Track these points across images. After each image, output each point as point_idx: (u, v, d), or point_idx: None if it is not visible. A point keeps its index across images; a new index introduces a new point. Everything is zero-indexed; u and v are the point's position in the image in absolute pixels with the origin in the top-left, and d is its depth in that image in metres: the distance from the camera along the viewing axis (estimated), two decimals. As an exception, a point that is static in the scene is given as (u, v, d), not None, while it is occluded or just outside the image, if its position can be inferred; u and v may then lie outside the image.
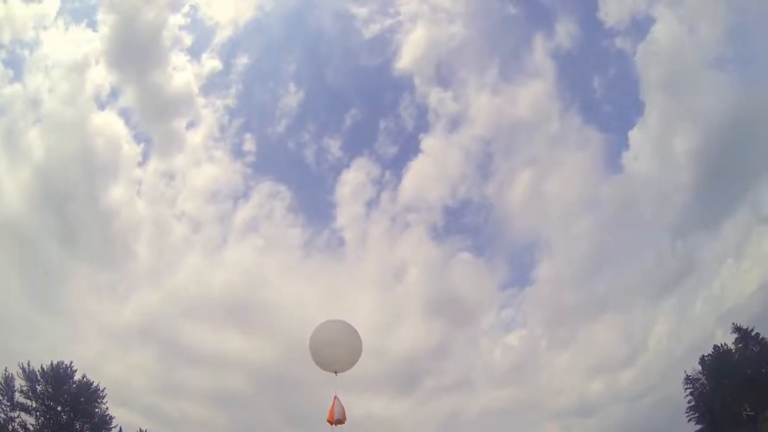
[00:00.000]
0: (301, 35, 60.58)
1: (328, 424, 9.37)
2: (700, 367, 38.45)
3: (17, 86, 49.94)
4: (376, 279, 59.91)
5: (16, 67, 50.00)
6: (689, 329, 46.32)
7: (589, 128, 59.27)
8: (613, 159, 59.35)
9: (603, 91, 57.85)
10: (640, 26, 52.84)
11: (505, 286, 64.92)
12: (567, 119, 58.61)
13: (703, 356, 38.40)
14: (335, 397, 9.62)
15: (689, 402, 37.94)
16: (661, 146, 53.62)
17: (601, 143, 58.40)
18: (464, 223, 62.34)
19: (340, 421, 9.50)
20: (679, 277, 49.78)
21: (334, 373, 9.98)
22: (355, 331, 10.61)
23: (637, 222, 55.43)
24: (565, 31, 55.45)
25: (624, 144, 56.68)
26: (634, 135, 53.63)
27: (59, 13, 51.34)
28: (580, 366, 52.10)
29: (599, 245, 56.66)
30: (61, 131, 50.87)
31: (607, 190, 57.40)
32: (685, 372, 38.69)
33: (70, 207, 50.36)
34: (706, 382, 37.44)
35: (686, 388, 38.37)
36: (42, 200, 48.59)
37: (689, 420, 37.64)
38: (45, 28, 50.60)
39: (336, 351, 10.21)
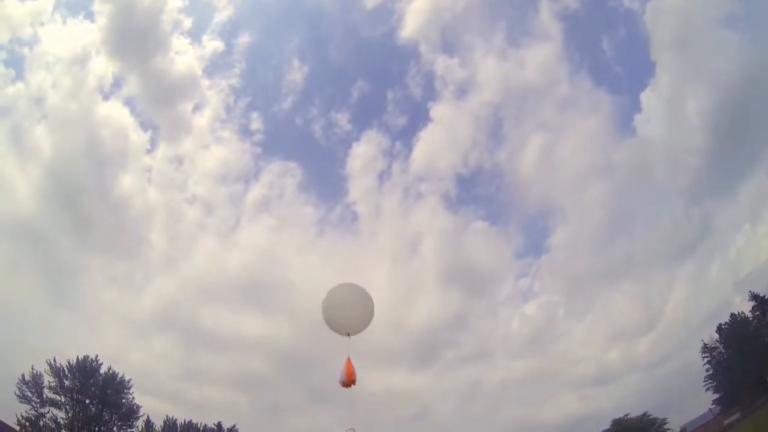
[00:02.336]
0: (302, 10, 60.02)
1: (341, 385, 9.68)
2: (717, 336, 38.45)
3: (20, 85, 50.04)
4: (392, 251, 60.27)
5: (17, 65, 49.96)
6: (706, 296, 46.42)
7: (599, 91, 58.78)
8: (625, 121, 58.74)
9: (612, 52, 57.37)
10: (648, -16, 51.65)
11: (521, 254, 65.34)
12: (577, 82, 57.94)
13: (720, 325, 38.26)
14: (348, 359, 9.87)
15: (707, 371, 38.01)
16: (674, 108, 53.08)
17: (613, 106, 57.80)
18: (477, 191, 62.62)
19: (350, 382, 9.78)
20: (694, 243, 49.77)
21: (347, 336, 10.17)
22: (367, 293, 10.77)
23: (651, 186, 55.05)
24: None
25: (636, 106, 56.14)
26: (646, 96, 53.05)
27: (55, 7, 51.18)
28: (597, 334, 52.62)
29: (614, 211, 56.51)
30: (67, 126, 51.08)
31: (620, 154, 57.05)
32: (703, 341, 38.84)
33: (82, 200, 50.83)
34: (723, 351, 37.36)
35: (704, 357, 38.39)
36: (53, 195, 49.09)
37: (707, 389, 37.85)
38: (42, 24, 50.38)
39: (348, 314, 10.30)
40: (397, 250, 59.91)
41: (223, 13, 56.97)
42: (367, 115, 61.91)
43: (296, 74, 58.68)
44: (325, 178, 64.38)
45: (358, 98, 60.34)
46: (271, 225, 58.78)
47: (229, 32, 57.11)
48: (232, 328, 51.05)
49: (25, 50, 51.15)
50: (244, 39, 57.51)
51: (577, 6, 56.02)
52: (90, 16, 52.31)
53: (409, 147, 60.13)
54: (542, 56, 57.80)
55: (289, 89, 59.01)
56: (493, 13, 61.80)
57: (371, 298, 10.68)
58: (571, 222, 59.02)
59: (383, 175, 60.59)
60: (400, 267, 59.90)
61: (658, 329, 48.88)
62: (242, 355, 50.59)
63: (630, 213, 57.18)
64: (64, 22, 52.21)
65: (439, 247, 59.27)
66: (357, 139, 60.42)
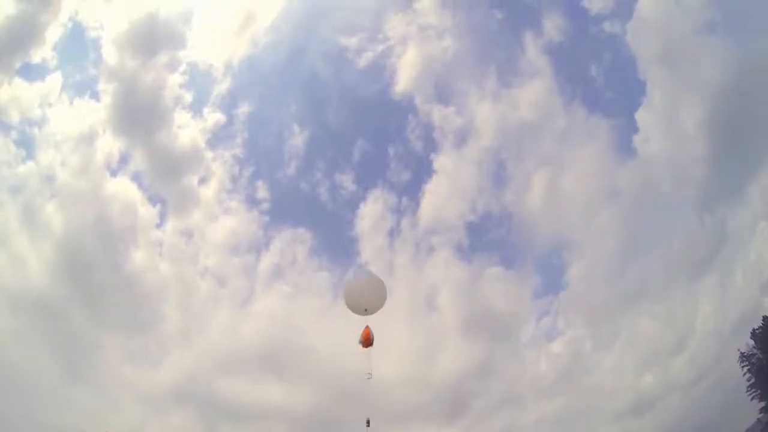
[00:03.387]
0: (297, 75, 61.42)
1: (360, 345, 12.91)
2: (753, 342, 36.82)
3: (30, 164, 51.57)
4: (409, 308, 58.53)
5: (28, 145, 51.83)
6: (734, 304, 44.17)
7: (594, 118, 58.42)
8: (624, 144, 57.65)
9: (602, 78, 57.11)
10: (624, 6, 53.16)
11: (540, 294, 62.81)
12: (571, 113, 58.04)
13: (753, 329, 36.92)
14: (367, 326, 13.13)
15: (749, 380, 36.11)
16: (670, 122, 52.61)
17: (610, 130, 57.33)
18: (488, 237, 60.97)
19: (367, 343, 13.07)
20: (713, 252, 48.04)
21: (364, 311, 13.67)
22: (379, 279, 14.98)
23: (660, 203, 53.75)
24: (553, 25, 55.68)
25: (632, 126, 55.35)
26: (641, 115, 52.64)
27: (62, 88, 53.36)
28: (628, 362, 49.78)
29: (627, 235, 55.03)
30: (77, 202, 52.25)
31: (624, 176, 55.97)
32: (739, 350, 37.06)
33: (94, 276, 51.06)
34: (762, 356, 35.69)
35: (743, 366, 36.58)
36: (66, 272, 49.36)
37: (752, 398, 35.78)
38: (50, 105, 52.68)
39: (363, 294, 13.75)
40: (414, 305, 58.38)
41: (221, 86, 58.90)
42: (370, 174, 62.08)
43: (297, 139, 59.71)
44: (335, 241, 63.71)
45: (360, 158, 60.63)
46: (286, 292, 57.85)
47: (228, 104, 58.68)
48: (252, 399, 49.22)
49: (35, 130, 53.21)
50: (243, 109, 59.06)
51: (561, 38, 57.24)
52: (95, 96, 54.75)
53: (415, 201, 59.85)
54: (535, 93, 58.65)
55: (292, 155, 59.83)
56: (482, 58, 63.20)
57: (383, 283, 14.55)
58: (586, 253, 57.53)
59: (393, 232, 60.00)
60: (419, 322, 58.24)
61: (689, 347, 46.34)
62: (263, 425, 48.58)
63: (643, 234, 55.66)
64: (71, 102, 54.48)
65: (456, 298, 57.69)
66: (363, 199, 60.02)
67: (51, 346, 42.97)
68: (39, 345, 41.70)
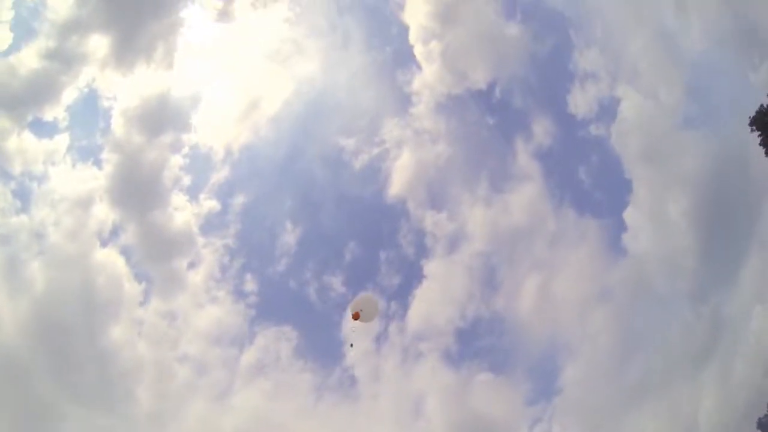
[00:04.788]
0: (294, 172, 62.78)
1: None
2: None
3: (23, 217, 51.20)
4: (395, 415, 55.43)
5: (24, 198, 51.85)
6: (738, 392, 42.33)
7: (584, 219, 59.76)
8: (614, 243, 58.24)
9: (590, 180, 59.35)
10: (608, 109, 56.70)
11: (532, 400, 59.52)
12: (561, 216, 59.47)
13: (759, 418, 35.87)
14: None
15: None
16: (658, 217, 54.05)
17: (599, 231, 58.38)
18: (478, 343, 59.31)
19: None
20: (711, 341, 47.04)
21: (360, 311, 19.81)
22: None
23: (654, 299, 53.37)
24: (542, 130, 58.98)
25: (621, 226, 56.40)
26: (629, 213, 54.07)
27: (68, 150, 54.48)
28: (633, 465, 46.54)
29: (622, 333, 53.93)
30: (64, 266, 51.13)
31: (616, 275, 55.95)
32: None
33: (69, 344, 48.56)
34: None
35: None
36: (40, 334, 46.91)
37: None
38: (54, 164, 53.49)
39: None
40: (400, 412, 55.36)
41: (220, 173, 59.78)
42: (360, 278, 61.67)
43: (289, 236, 60.03)
44: (321, 343, 61.35)
45: (350, 260, 60.46)
46: (267, 390, 54.78)
47: (225, 192, 59.35)
48: None
49: (34, 185, 53.34)
50: (239, 199, 59.58)
51: (550, 142, 60.40)
52: (98, 163, 55.71)
53: (404, 306, 59.10)
54: (525, 197, 60.61)
55: (283, 251, 59.77)
56: (474, 163, 65.84)
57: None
58: (580, 355, 55.82)
59: (380, 337, 58.47)
60: (406, 429, 55.09)
61: (696, 444, 43.71)
62: None
63: (639, 331, 54.62)
64: (74, 166, 55.28)
65: (444, 406, 54.92)
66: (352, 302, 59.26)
67: (10, 409, 39.75)
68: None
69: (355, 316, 20.68)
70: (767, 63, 43.02)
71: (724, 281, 48.28)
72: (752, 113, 22.53)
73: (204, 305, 57.29)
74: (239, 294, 57.16)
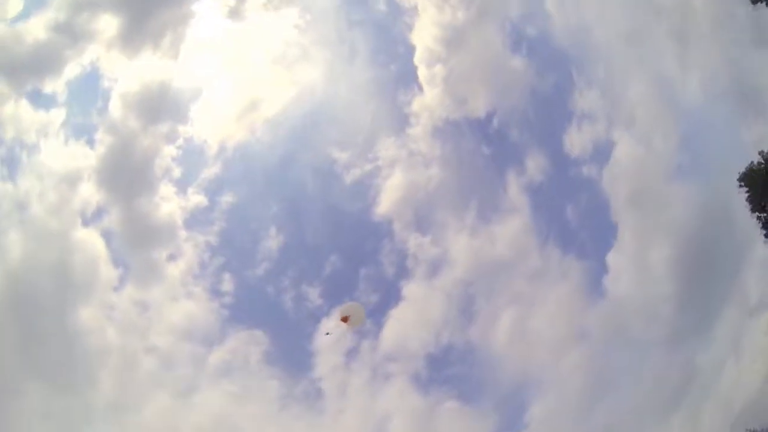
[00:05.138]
0: (284, 178, 62.37)
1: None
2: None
3: (8, 185, 50.51)
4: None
5: (12, 166, 51.14)
6: (704, 443, 42.56)
7: (567, 258, 59.91)
8: (594, 285, 58.52)
9: (577, 220, 59.66)
10: (602, 152, 57.36)
11: None
12: (545, 252, 59.62)
13: None
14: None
15: None
16: (640, 263, 54.64)
17: (581, 271, 58.66)
18: (449, 371, 58.85)
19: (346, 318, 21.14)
20: (682, 390, 47.17)
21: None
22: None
23: (629, 343, 53.55)
24: (536, 165, 59.47)
25: (603, 268, 56.80)
26: (612, 257, 54.59)
27: (62, 125, 53.96)
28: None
29: (593, 375, 53.94)
30: (42, 239, 50.36)
31: (593, 317, 56.17)
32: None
33: (36, 319, 47.63)
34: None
35: None
36: (8, 305, 46.13)
37: None
38: (46, 135, 52.93)
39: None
40: (364, 430, 54.93)
41: (211, 170, 59.04)
42: (338, 292, 60.80)
43: (272, 242, 59.24)
44: (291, 352, 60.25)
45: (330, 273, 59.58)
46: (232, 392, 53.69)
47: (214, 189, 58.87)
48: None
49: (24, 154, 52.61)
50: (227, 198, 59.07)
51: (541, 178, 60.81)
52: (91, 143, 55.17)
53: (379, 325, 58.43)
54: (512, 230, 60.78)
55: (264, 256, 58.94)
56: (464, 191, 66.07)
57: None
58: (550, 393, 55.56)
59: (351, 353, 57.97)
60: None
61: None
62: None
63: (611, 373, 54.67)
64: (66, 141, 54.64)
65: (408, 430, 54.64)
66: (327, 315, 57.51)
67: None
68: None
69: (344, 320, 23.68)
70: (761, 122, 43.96)
71: (699, 332, 48.70)
72: (742, 169, 22.91)
73: (178, 299, 56.47)
74: (215, 293, 56.39)
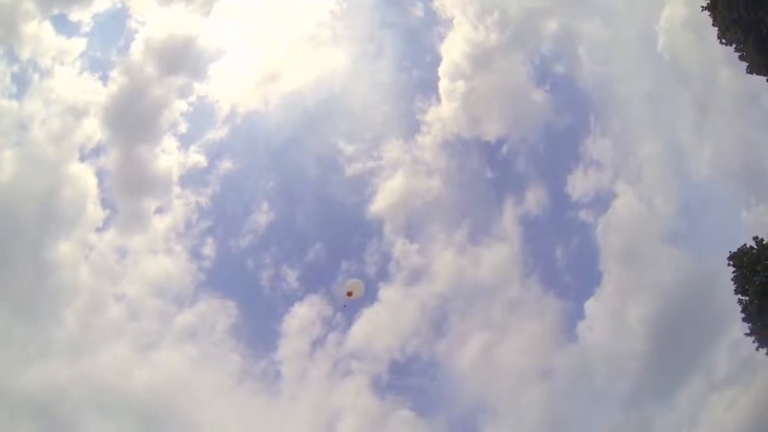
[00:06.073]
0: (287, 154, 63.25)
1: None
2: None
3: (14, 102, 50.81)
4: (308, 422, 54.86)
5: (22, 85, 51.35)
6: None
7: (547, 296, 60.78)
8: (569, 328, 59.25)
9: (564, 261, 60.83)
10: (602, 200, 58.46)
11: None
12: (527, 285, 60.35)
13: None
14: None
15: None
16: (617, 316, 55.30)
17: (558, 312, 59.49)
18: (409, 380, 59.41)
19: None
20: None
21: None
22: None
23: (591, 391, 54.14)
24: (535, 199, 60.19)
25: (580, 314, 57.48)
26: (591, 305, 55.38)
27: (81, 55, 54.49)
28: None
29: (550, 415, 54.23)
30: (36, 164, 50.20)
31: (561, 359, 56.84)
32: None
33: (13, 243, 47.55)
34: None
35: None
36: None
37: None
38: (63, 63, 53.19)
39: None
40: (314, 421, 54.80)
41: (217, 132, 59.76)
42: (316, 279, 60.73)
43: (262, 216, 59.82)
44: (259, 329, 59.92)
45: (312, 260, 60.56)
46: (192, 357, 53.74)
47: (215, 152, 59.36)
48: None
49: (36, 76, 52.66)
50: (226, 164, 59.67)
51: (538, 213, 61.73)
52: (105, 79, 55.49)
53: (349, 321, 58.39)
54: (498, 257, 61.73)
55: (250, 229, 59.35)
56: (460, 208, 66.69)
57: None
58: (504, 424, 56.00)
59: (317, 343, 58.10)
60: None
61: None
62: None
63: (567, 418, 54.97)
64: (81, 73, 54.95)
65: (359, 430, 54.61)
66: (300, 300, 58.43)
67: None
68: None
69: (349, 294, 27.04)
70: (762, 206, 44.32)
71: (662, 396, 49.12)
72: (734, 249, 22.98)
73: (158, 253, 56.62)
74: (195, 254, 56.70)
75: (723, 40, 21.05)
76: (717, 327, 42.51)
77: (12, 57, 51.94)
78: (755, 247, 22.34)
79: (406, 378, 58.95)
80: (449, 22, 63.60)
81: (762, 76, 20.32)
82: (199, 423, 47.91)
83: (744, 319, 22.26)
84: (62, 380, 45.22)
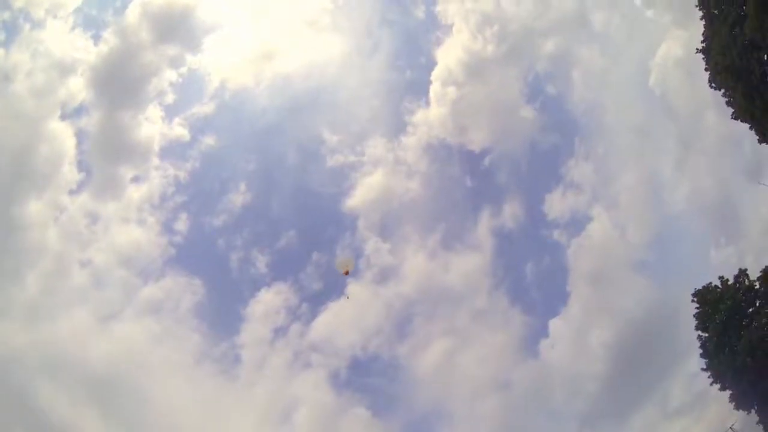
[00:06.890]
0: (270, 137, 63.02)
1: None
2: None
3: (0, 51, 48.71)
4: (264, 409, 54.84)
5: (9, 34, 49.72)
6: None
7: (513, 310, 61.95)
8: (531, 344, 60.90)
9: (533, 278, 62.12)
10: (578, 223, 59.68)
11: None
12: (494, 297, 61.30)
13: None
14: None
15: None
16: (579, 337, 56.69)
17: (522, 327, 60.80)
18: (368, 379, 60.08)
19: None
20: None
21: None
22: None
23: (546, 408, 55.58)
24: (511, 214, 61.12)
25: (544, 331, 58.92)
26: (555, 323, 56.80)
27: (75, 11, 53.31)
28: None
29: (504, 427, 55.22)
30: (15, 119, 48.80)
31: (521, 373, 58.23)
32: None
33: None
34: None
35: None
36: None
37: None
38: (55, 17, 51.63)
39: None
40: (269, 409, 54.82)
41: (203, 107, 59.35)
42: (286, 267, 61.17)
43: (238, 198, 59.92)
44: (222, 311, 59.89)
45: (283, 247, 60.95)
46: (153, 332, 53.12)
47: (199, 127, 58.72)
48: (65, 418, 42.76)
49: (26, 27, 51.23)
50: (208, 140, 59.10)
51: (512, 227, 62.88)
52: (96, 39, 54.25)
53: (314, 313, 59.04)
54: (469, 265, 62.81)
55: (225, 209, 59.48)
56: (436, 213, 67.41)
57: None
58: (457, 430, 56.91)
59: (279, 331, 58.26)
60: (268, 428, 54.20)
61: None
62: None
63: (522, 431, 56.26)
64: (73, 29, 53.58)
65: (312, 423, 54.81)
66: (267, 286, 59.18)
67: None
68: None
69: (346, 273, 29.83)
70: (731, 247, 45.74)
71: (616, 419, 50.45)
72: (699, 286, 23.67)
73: (130, 222, 55.81)
74: (167, 229, 56.16)
75: (713, 84, 21.68)
76: (675, 358, 43.88)
77: (4, 3, 50.48)
78: (719, 286, 23.10)
79: (365, 376, 59.49)
80: (449, 28, 64.26)
81: (746, 123, 20.89)
82: (153, 399, 47.34)
83: (702, 355, 23.00)
84: (17, 344, 44.12)
